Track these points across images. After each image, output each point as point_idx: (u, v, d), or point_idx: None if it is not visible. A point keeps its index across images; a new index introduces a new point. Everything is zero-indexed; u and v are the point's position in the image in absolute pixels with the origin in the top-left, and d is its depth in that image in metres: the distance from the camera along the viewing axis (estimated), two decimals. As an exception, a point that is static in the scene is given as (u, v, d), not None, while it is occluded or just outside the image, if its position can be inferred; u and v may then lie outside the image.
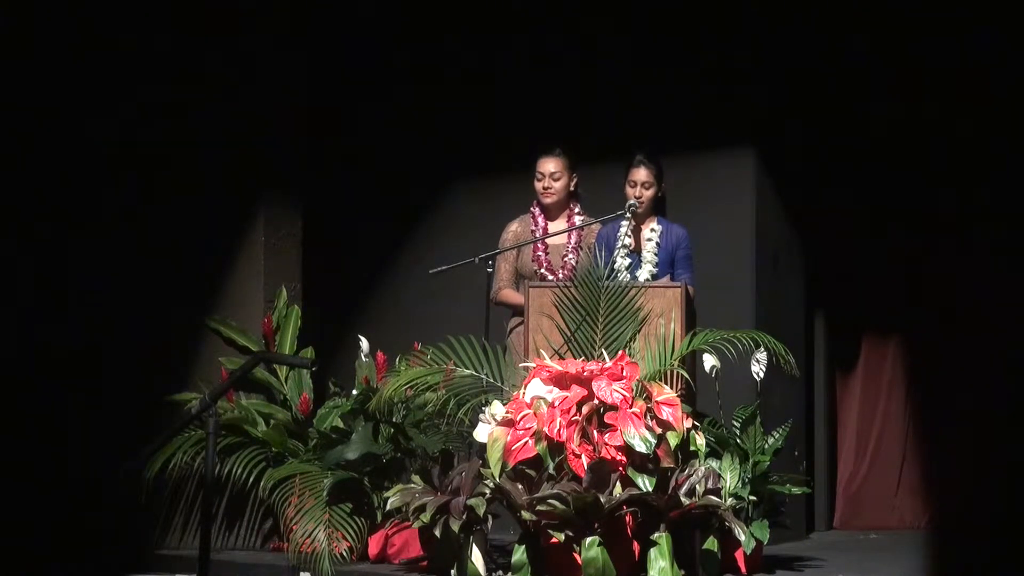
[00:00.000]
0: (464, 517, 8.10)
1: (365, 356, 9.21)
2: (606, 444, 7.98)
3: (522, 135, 9.76)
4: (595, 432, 8.01)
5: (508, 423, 8.06)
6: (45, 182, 9.91)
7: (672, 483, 8.02)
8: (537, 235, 9.03)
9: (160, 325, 9.71)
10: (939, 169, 10.01)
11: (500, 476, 7.98)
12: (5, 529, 9.39)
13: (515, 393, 8.22)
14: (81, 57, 9.90)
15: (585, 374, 8.10)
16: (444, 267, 8.95)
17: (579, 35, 9.96)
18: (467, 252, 8.97)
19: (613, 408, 8.02)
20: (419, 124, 10.32)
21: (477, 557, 8.16)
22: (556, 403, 8.04)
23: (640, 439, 7.93)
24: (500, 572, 8.26)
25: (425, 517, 8.11)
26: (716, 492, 8.03)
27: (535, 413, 8.03)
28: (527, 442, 7.99)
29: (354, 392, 9.11)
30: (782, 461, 8.79)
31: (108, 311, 9.77)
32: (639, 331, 8.39)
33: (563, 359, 8.30)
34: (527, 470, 8.00)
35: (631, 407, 8.00)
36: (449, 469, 8.38)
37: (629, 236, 8.77)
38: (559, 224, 9.09)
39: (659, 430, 7.98)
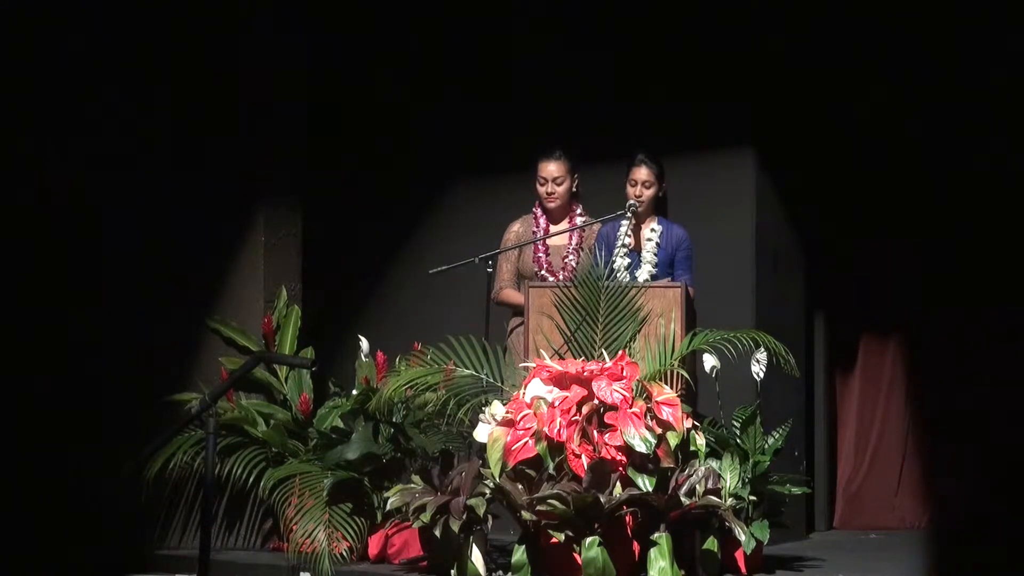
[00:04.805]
0: (464, 517, 8.10)
1: (365, 356, 9.21)
2: (606, 444, 7.98)
3: (522, 135, 9.76)
4: (595, 432, 8.02)
5: (508, 423, 8.06)
6: (44, 181, 9.91)
7: (672, 483, 8.03)
8: (538, 236, 9.03)
9: (160, 325, 9.71)
10: (939, 169, 10.01)
11: (500, 476, 7.98)
12: (4, 529, 9.38)
13: (515, 393, 8.22)
14: (79, 55, 9.90)
15: (585, 374, 8.10)
16: (444, 267, 8.95)
17: (579, 34, 9.95)
18: (467, 252, 8.97)
19: (613, 408, 8.02)
20: (419, 124, 10.32)
21: (477, 557, 8.17)
22: (556, 403, 8.04)
23: (640, 439, 7.94)
24: (500, 572, 8.27)
25: (425, 517, 8.11)
26: (716, 492, 8.03)
27: (535, 413, 8.03)
28: (527, 442, 8.00)
29: (354, 392, 9.11)
30: (782, 461, 8.78)
31: (108, 311, 9.77)
32: (639, 331, 8.39)
33: (563, 359, 8.30)
34: (527, 470, 8.00)
35: (631, 407, 8.00)
36: (449, 469, 8.39)
37: (629, 236, 8.77)
38: (561, 225, 9.09)
39: (659, 430, 7.99)
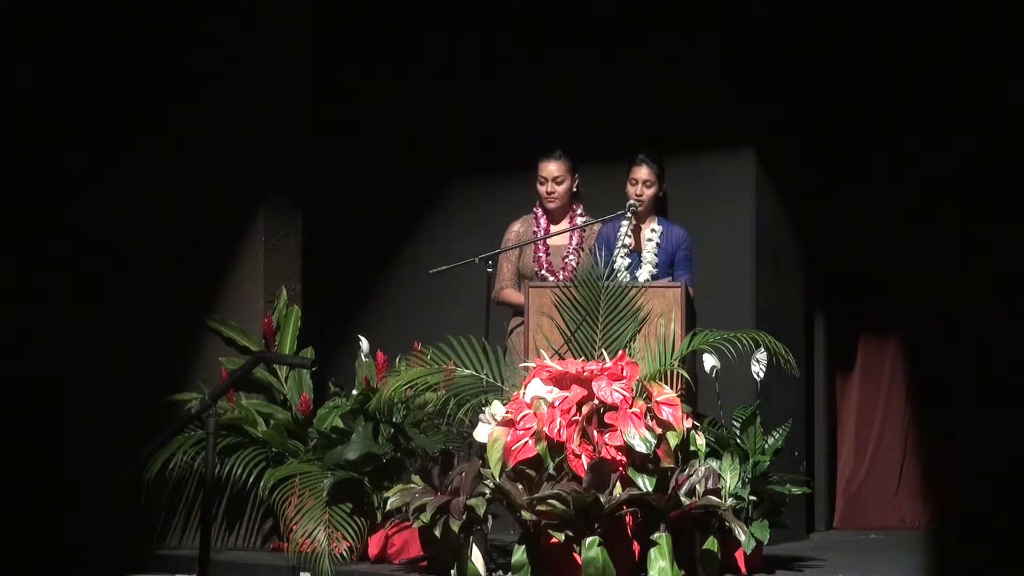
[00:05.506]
0: (464, 517, 8.10)
1: (365, 356, 9.21)
2: (606, 444, 7.98)
3: (522, 135, 9.76)
4: (595, 432, 8.02)
5: (508, 423, 8.06)
6: (45, 181, 9.91)
7: (672, 483, 8.02)
8: (538, 236, 9.03)
9: (160, 325, 9.71)
10: (939, 169, 10.02)
11: (500, 476, 7.98)
12: (4, 529, 9.38)
13: (515, 393, 8.22)
14: (78, 55, 9.90)
15: (585, 374, 8.10)
16: (444, 267, 8.95)
17: (580, 34, 9.95)
18: (467, 252, 8.97)
19: (613, 408, 8.02)
20: (419, 124, 10.32)
21: (477, 557, 8.16)
22: (556, 403, 8.04)
23: (640, 439, 7.93)
24: (500, 572, 8.27)
25: (425, 517, 8.11)
26: (716, 492, 8.03)
27: (535, 413, 8.03)
28: (527, 442, 7.99)
29: (354, 392, 9.11)
30: (782, 461, 8.78)
31: (108, 311, 9.76)
32: (639, 331, 8.39)
33: (563, 359, 8.30)
34: (527, 470, 8.00)
35: (631, 407, 8.00)
36: (449, 469, 8.39)
37: (629, 236, 8.78)
38: (561, 225, 9.10)
39: (659, 430, 7.98)
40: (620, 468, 7.98)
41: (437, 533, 8.09)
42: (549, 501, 7.86)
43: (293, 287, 9.87)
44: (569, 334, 8.44)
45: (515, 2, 10.19)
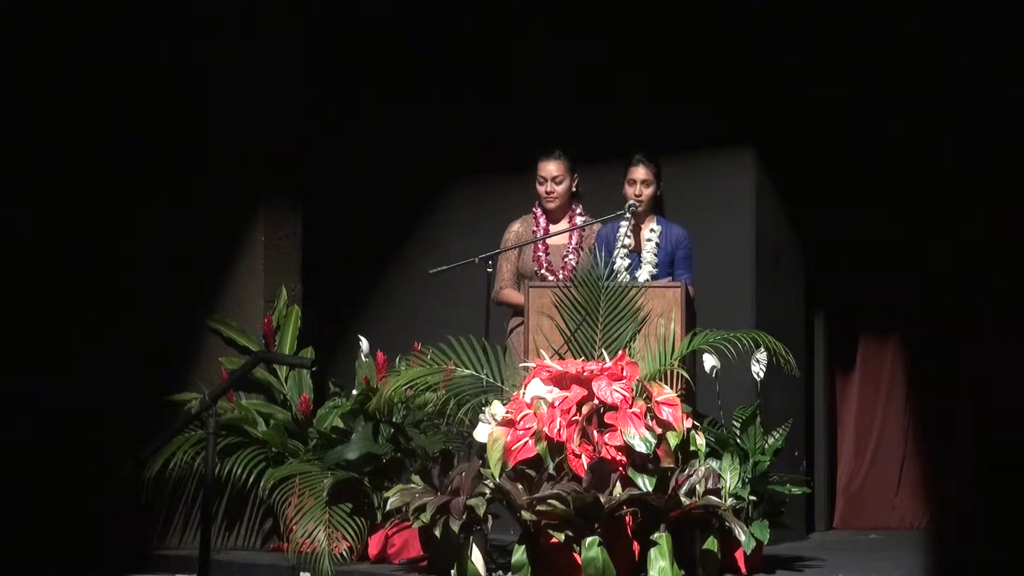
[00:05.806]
0: (464, 517, 8.10)
1: (365, 356, 9.21)
2: (606, 444, 7.97)
3: (522, 135, 9.76)
4: (595, 432, 8.01)
5: (508, 423, 8.06)
6: (45, 182, 9.91)
7: (672, 483, 8.02)
8: (538, 235, 9.03)
9: (160, 325, 9.71)
10: (939, 169, 10.02)
11: (500, 476, 7.98)
12: (5, 529, 9.38)
13: (515, 393, 8.22)
14: (81, 61, 9.91)
15: (585, 374, 8.09)
16: (444, 267, 8.95)
17: (580, 35, 9.96)
18: (467, 252, 8.97)
19: (613, 408, 8.02)
20: (419, 124, 10.32)
21: (477, 557, 8.16)
22: (556, 403, 8.04)
23: (640, 439, 7.93)
24: (500, 572, 8.26)
25: (425, 517, 8.11)
26: (716, 492, 8.03)
27: (535, 413, 8.03)
28: (527, 442, 7.99)
29: (354, 392, 9.11)
30: (782, 461, 8.78)
31: (108, 311, 9.76)
32: (639, 331, 8.39)
33: (563, 359, 8.30)
34: (527, 470, 7.99)
35: (631, 407, 8.00)
36: (449, 469, 8.38)
37: (629, 236, 8.77)
38: (561, 225, 9.09)
39: (659, 430, 7.98)
40: (620, 468, 7.97)
41: (437, 533, 8.09)
42: (549, 501, 7.86)
43: (293, 287, 9.88)
44: (569, 334, 8.44)
45: (514, 1, 10.19)
